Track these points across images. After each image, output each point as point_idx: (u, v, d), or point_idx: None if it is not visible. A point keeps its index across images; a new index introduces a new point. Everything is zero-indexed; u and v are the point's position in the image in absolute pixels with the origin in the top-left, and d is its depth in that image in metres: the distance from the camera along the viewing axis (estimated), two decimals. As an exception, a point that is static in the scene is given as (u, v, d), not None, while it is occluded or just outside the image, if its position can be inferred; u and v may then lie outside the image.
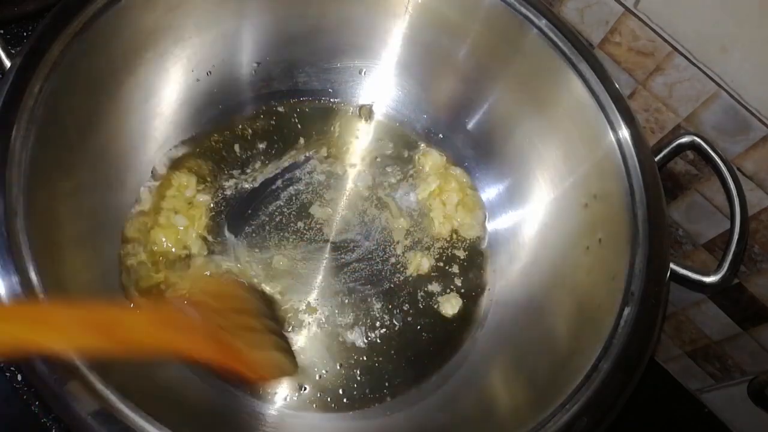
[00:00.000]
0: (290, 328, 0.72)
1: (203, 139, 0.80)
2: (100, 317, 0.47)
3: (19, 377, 0.60)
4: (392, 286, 0.76)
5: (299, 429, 0.67)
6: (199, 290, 0.62)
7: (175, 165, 0.77)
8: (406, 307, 0.76)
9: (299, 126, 0.84)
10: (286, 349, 0.65)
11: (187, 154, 0.78)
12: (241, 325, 0.59)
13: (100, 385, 0.48)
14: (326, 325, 0.73)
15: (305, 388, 0.69)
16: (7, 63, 0.58)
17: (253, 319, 0.62)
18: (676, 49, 0.68)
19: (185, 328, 0.53)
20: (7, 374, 0.60)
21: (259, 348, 0.59)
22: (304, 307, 0.73)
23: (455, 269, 0.79)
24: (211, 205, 0.77)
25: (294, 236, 0.77)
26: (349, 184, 0.82)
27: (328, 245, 0.77)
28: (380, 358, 0.72)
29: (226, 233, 0.75)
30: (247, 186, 0.79)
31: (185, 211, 0.75)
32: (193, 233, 0.74)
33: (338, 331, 0.73)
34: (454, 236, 0.81)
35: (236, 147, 0.81)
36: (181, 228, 0.74)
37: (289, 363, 0.64)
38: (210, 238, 0.75)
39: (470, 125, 0.84)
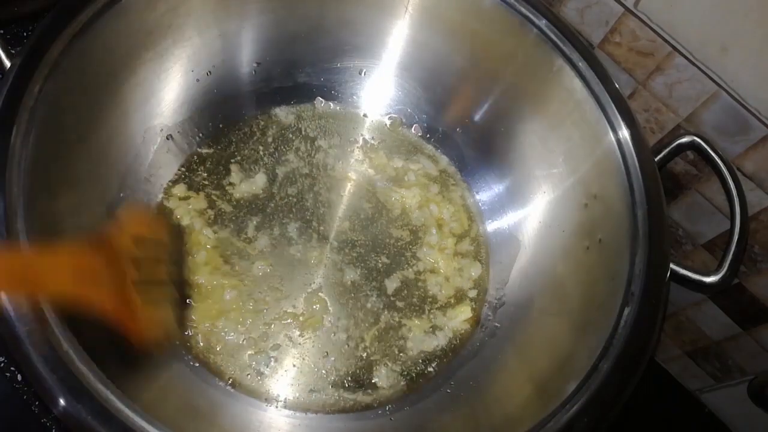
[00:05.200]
0: (291, 329, 0.72)
1: (203, 139, 0.80)
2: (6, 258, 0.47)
3: (19, 377, 0.60)
4: (392, 286, 0.76)
5: (299, 429, 0.67)
6: (127, 231, 0.58)
7: (176, 165, 0.77)
8: (406, 308, 0.76)
9: (299, 126, 0.84)
10: (177, 301, 0.64)
11: (187, 154, 0.78)
12: (148, 277, 0.56)
13: (100, 386, 0.48)
14: (325, 325, 0.73)
15: (306, 389, 0.69)
16: (7, 63, 0.58)
17: (162, 268, 0.60)
18: (676, 49, 0.68)
19: (88, 276, 0.50)
20: (7, 374, 0.60)
21: (154, 303, 0.57)
22: (302, 308, 0.73)
23: (455, 270, 0.79)
24: (211, 205, 0.77)
25: (294, 236, 0.77)
26: (349, 185, 0.82)
27: (328, 245, 0.77)
28: (381, 358, 0.72)
29: (225, 233, 0.75)
30: (246, 186, 0.79)
31: (183, 207, 0.75)
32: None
33: (337, 330, 0.73)
34: (451, 233, 0.81)
35: (236, 147, 0.81)
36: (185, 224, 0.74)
37: (174, 323, 0.63)
38: (210, 236, 0.75)
39: (470, 125, 0.84)
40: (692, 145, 0.68)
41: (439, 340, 0.74)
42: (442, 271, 0.79)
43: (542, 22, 0.70)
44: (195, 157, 0.79)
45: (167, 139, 0.76)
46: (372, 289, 0.76)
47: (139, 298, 0.54)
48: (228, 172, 0.79)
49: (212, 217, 0.76)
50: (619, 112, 0.66)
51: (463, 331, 0.76)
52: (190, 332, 0.69)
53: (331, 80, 0.86)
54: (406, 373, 0.72)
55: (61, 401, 0.46)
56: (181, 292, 0.65)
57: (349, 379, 0.70)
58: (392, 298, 0.76)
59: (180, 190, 0.76)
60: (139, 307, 0.54)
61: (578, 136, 0.71)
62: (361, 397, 0.70)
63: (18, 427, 0.62)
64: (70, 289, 0.49)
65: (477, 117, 0.83)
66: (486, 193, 0.84)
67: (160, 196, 0.75)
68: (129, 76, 0.68)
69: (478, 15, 0.74)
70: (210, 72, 0.78)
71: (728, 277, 0.63)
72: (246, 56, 0.81)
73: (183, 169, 0.78)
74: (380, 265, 0.77)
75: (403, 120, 0.87)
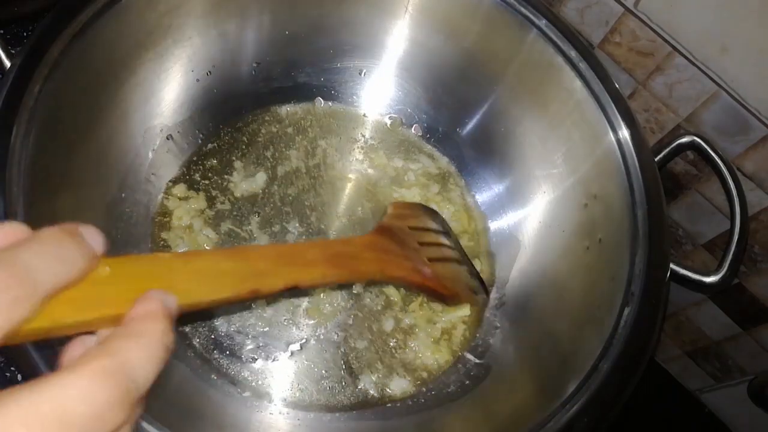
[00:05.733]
0: (290, 329, 0.72)
1: (203, 139, 0.80)
2: (338, 251, 0.53)
3: (20, 377, 0.60)
4: (392, 286, 0.76)
5: (299, 429, 0.67)
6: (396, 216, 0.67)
7: (176, 164, 0.77)
8: (406, 308, 0.76)
9: (299, 125, 0.84)
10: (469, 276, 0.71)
11: (187, 154, 0.78)
12: (437, 255, 0.65)
13: (100, 385, 0.47)
14: (326, 326, 0.73)
15: (306, 388, 0.69)
16: (7, 63, 0.58)
17: (444, 249, 0.69)
18: (676, 49, 0.68)
19: (394, 254, 0.60)
20: (7, 374, 0.60)
21: (450, 271, 0.66)
22: (303, 309, 0.73)
23: (455, 269, 0.79)
24: (210, 206, 0.77)
25: (293, 236, 0.77)
26: (349, 185, 0.82)
27: (328, 245, 0.77)
28: (381, 359, 0.72)
29: (226, 233, 0.75)
30: (246, 186, 0.79)
31: (183, 207, 0.75)
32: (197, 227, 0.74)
33: (338, 329, 0.73)
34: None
35: (236, 147, 0.81)
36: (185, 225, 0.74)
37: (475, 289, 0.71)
38: (210, 235, 0.75)
39: (470, 125, 0.84)
40: (692, 145, 0.68)
41: (439, 340, 0.74)
42: (442, 271, 0.79)
43: (542, 22, 0.70)
44: (195, 157, 0.79)
45: (167, 139, 0.76)
46: (372, 288, 0.76)
47: (438, 269, 0.64)
48: (228, 171, 0.79)
49: (212, 216, 0.76)
50: (619, 112, 0.66)
51: (462, 331, 0.75)
52: (186, 328, 0.69)
53: (331, 80, 0.86)
54: (405, 372, 0.72)
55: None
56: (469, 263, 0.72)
57: (350, 378, 0.70)
58: (391, 297, 0.76)
59: (180, 190, 0.76)
60: (440, 274, 0.64)
61: (578, 136, 0.71)
62: (362, 397, 0.70)
63: (18, 427, 0.62)
64: (380, 270, 0.58)
65: (477, 117, 0.83)
66: (486, 193, 0.84)
67: (161, 196, 0.75)
68: (129, 76, 0.68)
69: (478, 15, 0.75)
70: (210, 72, 0.78)
71: (728, 277, 0.63)
72: (246, 56, 0.81)
73: (183, 168, 0.78)
74: (380, 265, 0.78)
75: (403, 120, 0.87)
